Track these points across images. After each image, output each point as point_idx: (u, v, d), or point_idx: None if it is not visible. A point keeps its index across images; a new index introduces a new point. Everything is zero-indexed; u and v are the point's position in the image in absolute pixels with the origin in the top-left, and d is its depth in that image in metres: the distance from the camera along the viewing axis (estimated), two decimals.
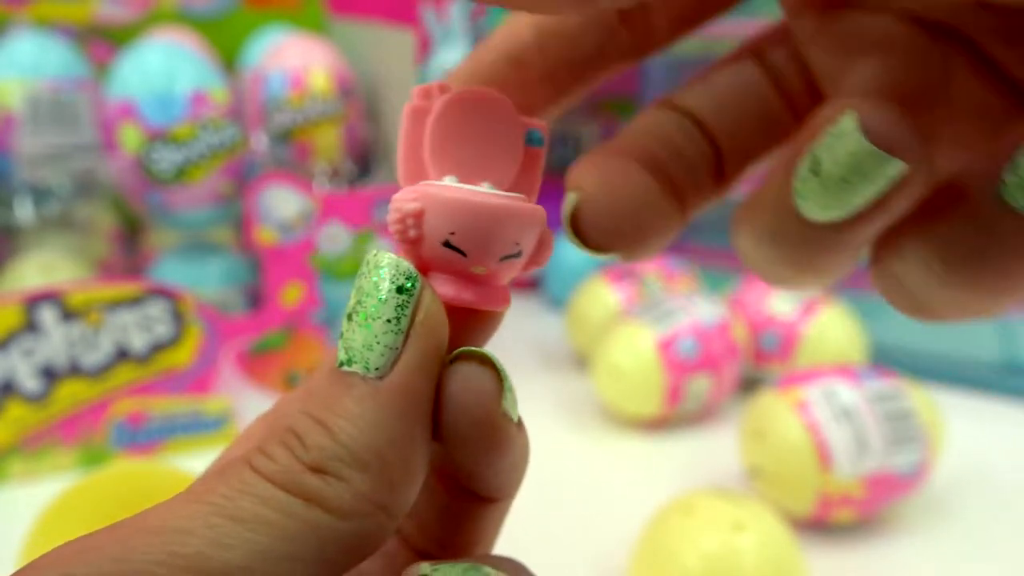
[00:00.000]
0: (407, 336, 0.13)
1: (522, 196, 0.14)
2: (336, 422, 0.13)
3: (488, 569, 0.15)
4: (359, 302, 0.13)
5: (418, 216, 0.14)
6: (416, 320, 0.13)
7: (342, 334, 0.13)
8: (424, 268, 0.14)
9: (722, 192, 0.18)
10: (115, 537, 0.11)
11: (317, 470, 0.12)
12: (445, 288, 0.14)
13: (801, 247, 0.14)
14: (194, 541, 0.11)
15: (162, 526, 0.12)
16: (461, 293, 0.14)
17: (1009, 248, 0.12)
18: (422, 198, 0.14)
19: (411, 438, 0.13)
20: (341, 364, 0.13)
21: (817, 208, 0.13)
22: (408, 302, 0.13)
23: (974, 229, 0.13)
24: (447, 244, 0.14)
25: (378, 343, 0.13)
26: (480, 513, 0.17)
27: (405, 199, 0.14)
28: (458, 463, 0.15)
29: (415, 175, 0.15)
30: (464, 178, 0.14)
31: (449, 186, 0.14)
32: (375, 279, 0.13)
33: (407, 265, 0.13)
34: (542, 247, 0.15)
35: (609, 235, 0.16)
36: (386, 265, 0.13)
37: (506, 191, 0.14)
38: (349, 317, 0.13)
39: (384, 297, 0.13)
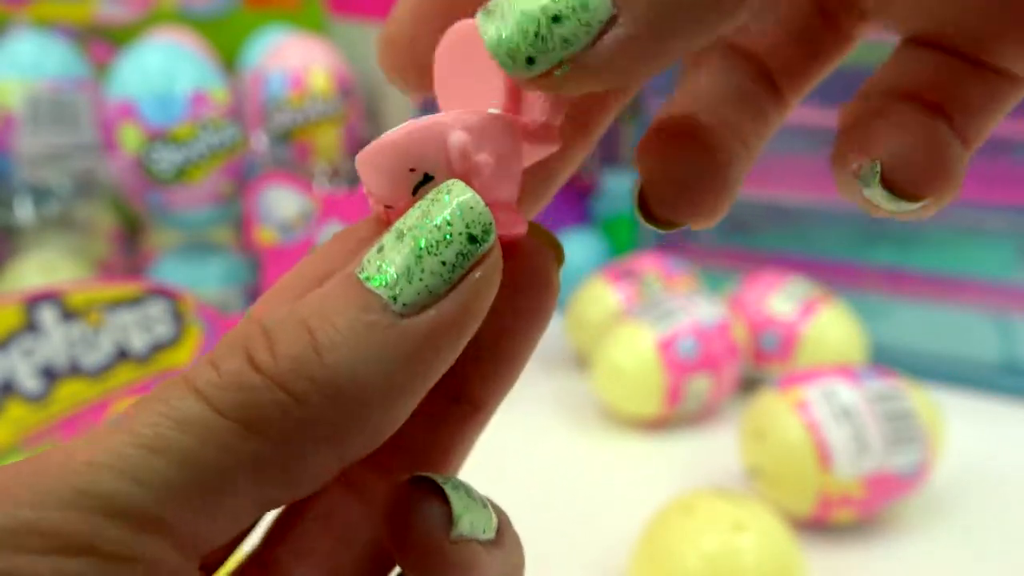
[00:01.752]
0: (452, 287, 0.11)
1: (426, 118, 0.13)
2: (330, 335, 0.11)
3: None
4: (419, 225, 0.12)
5: (363, 182, 0.14)
6: (470, 276, 0.11)
7: (382, 247, 0.12)
8: (389, 216, 0.14)
9: (784, 113, 0.17)
10: (30, 472, 0.10)
11: (281, 386, 0.10)
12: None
13: None
14: (107, 477, 0.10)
15: (83, 460, 0.10)
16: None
17: None
18: (357, 163, 0.14)
19: (403, 403, 0.11)
20: (366, 278, 0.11)
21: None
22: (473, 254, 0.11)
23: None
24: (377, 200, 0.14)
25: (420, 279, 0.11)
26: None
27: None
28: None
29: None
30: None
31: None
32: (447, 215, 0.12)
33: (487, 214, 0.12)
34: (454, 155, 0.13)
35: (675, 212, 0.15)
36: (462, 203, 0.12)
37: (502, 108, 0.14)
38: (400, 235, 0.12)
39: (450, 237, 0.11)
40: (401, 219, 0.12)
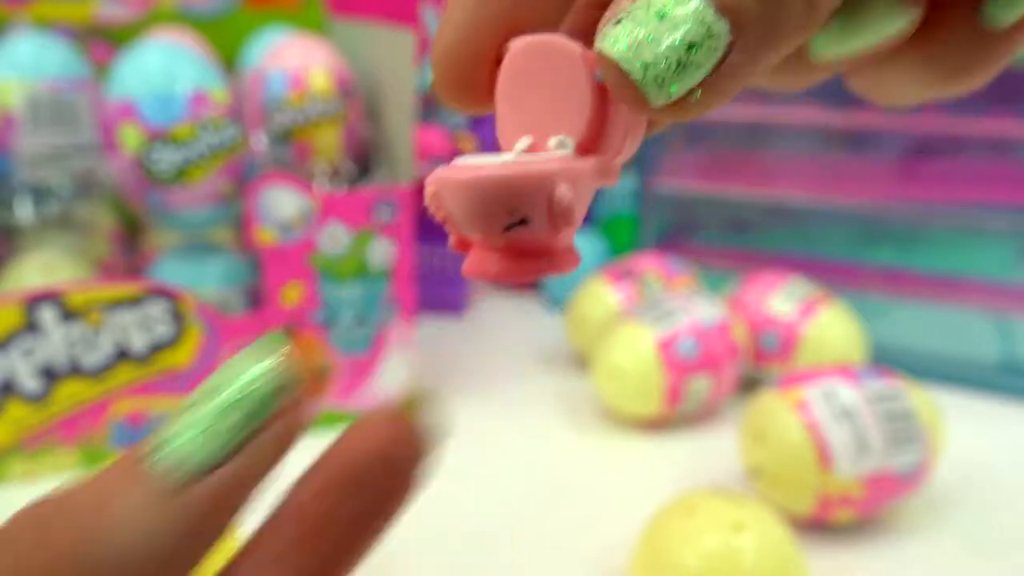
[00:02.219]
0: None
1: (553, 155, 0.13)
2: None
3: None
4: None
5: (436, 199, 0.14)
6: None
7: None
8: (466, 242, 0.14)
9: None
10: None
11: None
12: (484, 266, 0.14)
13: (800, 76, 0.15)
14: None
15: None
16: (501, 270, 0.14)
17: (986, 59, 0.15)
18: (434, 182, 0.14)
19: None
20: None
21: (829, 49, 0.14)
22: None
23: (963, 45, 0.15)
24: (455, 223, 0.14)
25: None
26: None
27: (428, 182, 0.14)
28: None
29: (503, 137, 0.15)
30: (537, 135, 0.14)
31: (456, 166, 0.14)
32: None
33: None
34: (553, 211, 0.13)
35: (452, 90, 0.15)
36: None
37: (582, 140, 0.14)
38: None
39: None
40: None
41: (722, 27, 0.12)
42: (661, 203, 0.61)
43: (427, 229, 0.60)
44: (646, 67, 0.12)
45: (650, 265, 0.53)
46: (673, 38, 0.12)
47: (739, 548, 0.29)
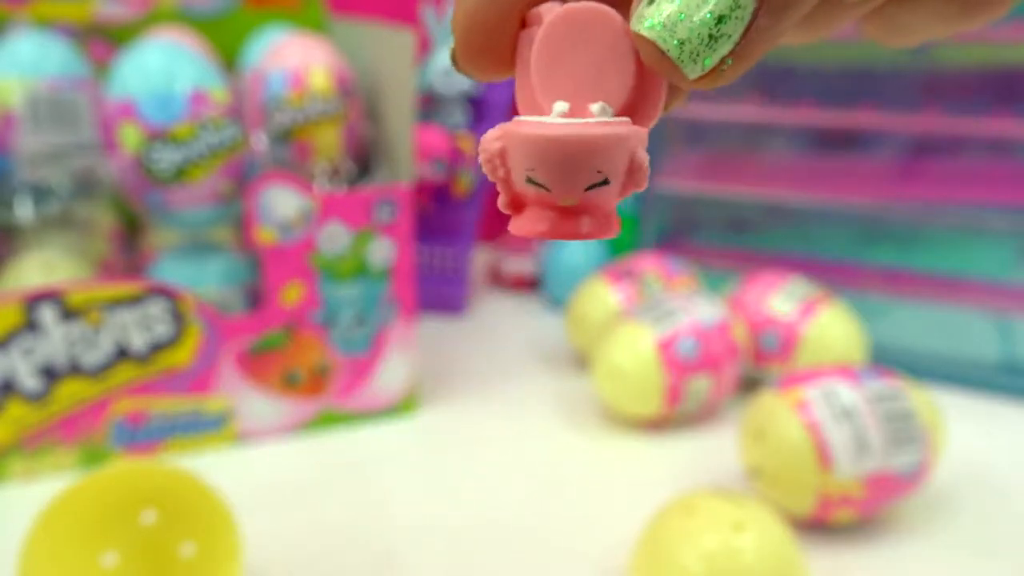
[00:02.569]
0: None
1: (618, 119, 0.14)
2: None
3: None
4: None
5: (502, 155, 0.14)
6: None
7: None
8: (519, 203, 0.14)
9: None
10: None
11: None
12: (538, 224, 0.14)
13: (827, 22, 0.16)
14: None
15: None
16: (555, 228, 0.14)
17: None
18: (503, 136, 0.14)
19: None
20: None
21: None
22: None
23: None
24: (530, 180, 0.14)
25: None
26: None
27: (489, 139, 0.14)
28: None
29: (528, 104, 0.15)
30: (575, 101, 0.14)
31: (528, 121, 0.14)
32: None
33: None
34: (634, 169, 0.14)
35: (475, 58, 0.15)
36: None
37: (621, 108, 0.14)
38: None
39: None
40: None
41: None
42: (661, 203, 0.61)
43: (427, 229, 0.60)
44: (681, 44, 0.13)
45: (650, 265, 0.53)
46: (704, 13, 0.13)
47: (739, 548, 0.29)
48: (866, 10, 0.15)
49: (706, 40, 0.13)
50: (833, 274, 0.56)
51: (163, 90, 0.40)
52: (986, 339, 0.51)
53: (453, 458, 0.43)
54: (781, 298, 0.48)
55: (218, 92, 0.41)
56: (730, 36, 0.13)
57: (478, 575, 0.34)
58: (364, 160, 0.48)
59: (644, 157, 0.14)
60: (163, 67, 0.40)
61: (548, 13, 0.14)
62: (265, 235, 0.41)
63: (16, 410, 0.39)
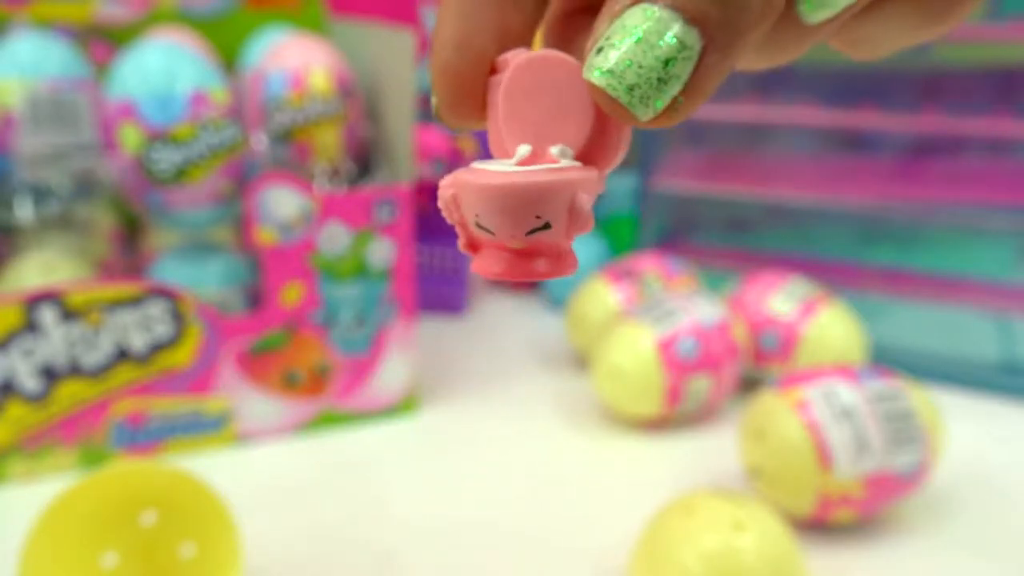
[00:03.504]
0: None
1: (568, 164, 0.15)
2: None
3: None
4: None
5: (455, 201, 0.15)
6: None
7: None
8: (476, 244, 0.15)
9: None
10: None
11: None
12: (494, 265, 0.15)
13: (786, 46, 0.16)
14: None
15: None
16: (508, 269, 0.15)
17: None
18: (453, 184, 0.15)
19: None
20: None
21: (820, 11, 0.15)
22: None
23: None
24: (478, 225, 0.15)
25: None
26: None
27: (444, 185, 0.15)
28: None
29: (497, 147, 0.16)
30: (537, 144, 0.15)
31: (474, 170, 0.15)
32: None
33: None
34: (575, 215, 0.15)
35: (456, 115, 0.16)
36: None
37: (580, 149, 0.15)
38: None
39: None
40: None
41: (693, 37, 0.13)
42: (661, 203, 0.61)
43: (427, 229, 0.60)
44: (630, 89, 0.13)
45: (650, 265, 0.53)
46: (651, 58, 0.13)
47: (739, 548, 0.29)
48: (830, 31, 0.15)
49: (655, 84, 0.13)
50: (833, 274, 0.56)
51: (163, 91, 0.40)
52: (986, 339, 0.51)
53: (453, 458, 0.43)
54: (781, 298, 0.48)
55: (218, 93, 0.41)
56: (679, 77, 0.13)
57: (478, 575, 0.34)
58: (364, 160, 0.48)
59: (585, 202, 0.14)
60: (163, 68, 0.40)
61: (514, 59, 0.15)
62: (265, 235, 0.41)
63: (16, 411, 0.39)
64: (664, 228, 0.63)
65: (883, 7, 0.16)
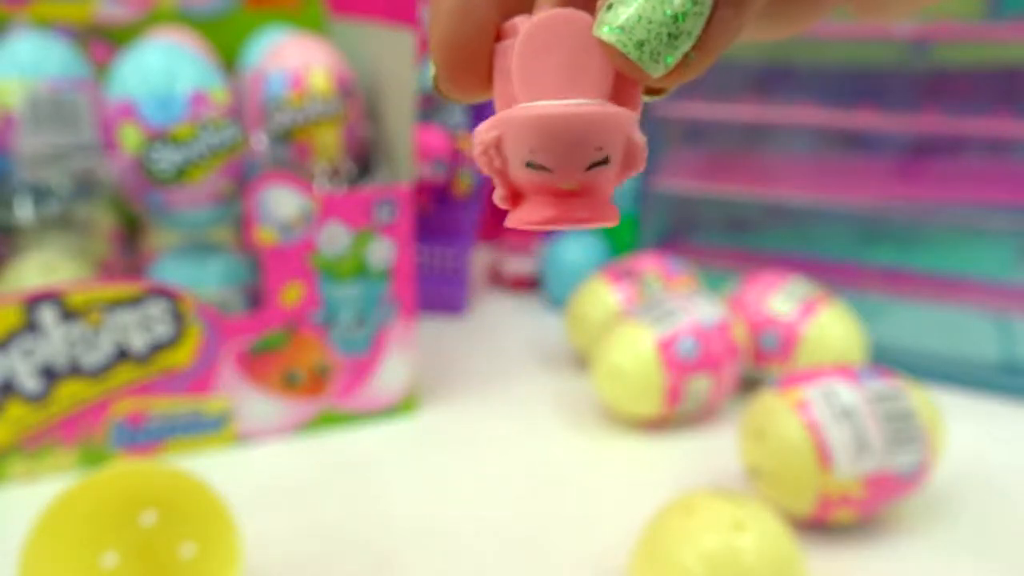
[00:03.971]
0: None
1: (603, 102, 0.14)
2: None
3: None
4: None
5: (497, 144, 0.14)
6: None
7: None
8: (517, 194, 0.15)
9: None
10: None
11: None
12: (541, 211, 0.14)
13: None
14: None
15: None
16: (558, 214, 0.14)
17: None
18: (499, 124, 0.14)
19: None
20: None
21: None
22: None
23: None
24: (530, 164, 0.14)
25: None
26: None
27: (483, 129, 0.14)
28: None
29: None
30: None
31: (524, 107, 0.14)
32: None
33: None
34: (631, 149, 0.14)
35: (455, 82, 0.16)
36: None
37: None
38: None
39: None
40: None
41: None
42: (661, 203, 0.61)
43: (427, 229, 0.60)
44: (640, 45, 0.13)
45: (650, 265, 0.53)
46: (661, 13, 0.13)
47: (739, 548, 0.29)
48: None
49: (665, 39, 0.13)
50: (833, 274, 0.56)
51: (163, 91, 0.40)
52: (986, 339, 0.51)
53: (453, 458, 0.43)
54: (781, 298, 0.48)
55: (218, 93, 0.41)
56: (690, 32, 0.13)
57: (478, 575, 0.34)
58: (364, 160, 0.48)
59: (640, 137, 0.14)
60: (163, 68, 0.40)
61: (523, 23, 0.14)
62: (265, 235, 0.41)
63: (16, 411, 0.39)
64: (664, 228, 0.63)
65: None
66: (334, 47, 0.48)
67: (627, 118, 0.14)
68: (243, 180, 0.43)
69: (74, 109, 0.41)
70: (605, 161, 0.14)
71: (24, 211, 0.41)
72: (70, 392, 0.40)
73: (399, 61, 0.43)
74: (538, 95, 0.14)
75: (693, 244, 0.64)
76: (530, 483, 0.41)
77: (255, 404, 0.43)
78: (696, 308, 0.45)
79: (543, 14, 0.14)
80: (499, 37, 0.15)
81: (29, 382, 0.39)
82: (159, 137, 0.40)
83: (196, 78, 0.41)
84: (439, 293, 0.61)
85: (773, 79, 0.57)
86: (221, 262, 0.44)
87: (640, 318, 0.45)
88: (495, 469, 0.42)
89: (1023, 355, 0.50)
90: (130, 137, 0.40)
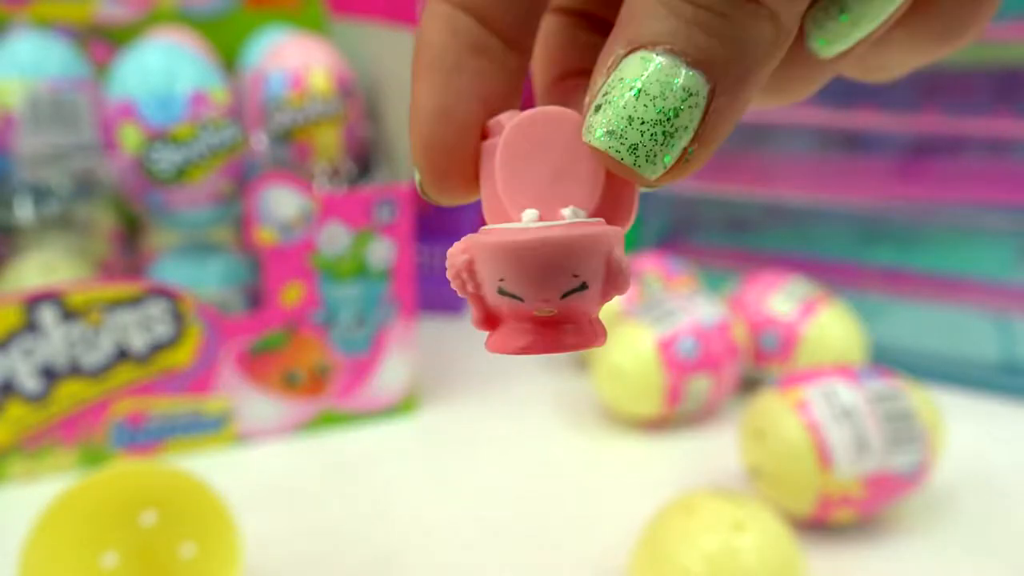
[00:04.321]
0: None
1: (588, 220, 0.13)
2: None
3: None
4: None
5: (469, 268, 0.13)
6: None
7: None
8: (493, 318, 0.13)
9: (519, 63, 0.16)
10: None
11: None
12: (517, 340, 0.13)
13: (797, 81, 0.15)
14: None
15: None
16: (535, 342, 0.13)
17: (980, 7, 0.15)
18: (469, 248, 0.13)
19: None
20: None
21: (834, 45, 0.13)
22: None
23: (957, 10, 0.15)
24: (502, 291, 0.13)
25: None
26: None
27: (455, 252, 0.13)
28: None
29: (497, 216, 0.14)
30: (544, 208, 0.13)
31: (494, 229, 0.13)
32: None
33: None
34: (611, 272, 0.13)
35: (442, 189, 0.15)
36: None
37: (593, 210, 0.13)
38: None
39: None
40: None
41: (698, 81, 0.12)
42: (661, 203, 0.61)
43: (427, 229, 0.60)
44: (634, 149, 0.12)
45: (650, 265, 0.53)
46: (653, 112, 0.12)
47: (739, 548, 0.29)
48: (844, 64, 0.14)
49: (660, 139, 0.12)
50: (833, 274, 0.56)
51: (163, 91, 0.40)
52: (986, 339, 0.51)
53: (453, 458, 0.43)
54: (781, 298, 0.48)
55: (218, 92, 0.41)
56: (687, 127, 0.12)
57: (478, 575, 0.34)
58: (364, 160, 0.48)
59: (622, 257, 0.13)
60: (163, 68, 0.40)
61: (508, 120, 0.14)
62: (265, 235, 0.41)
63: (16, 411, 0.39)
64: (664, 228, 0.63)
65: (892, 34, 0.15)
66: (334, 47, 0.48)
67: (606, 237, 0.13)
68: (243, 180, 0.43)
69: (74, 109, 0.41)
70: (583, 287, 0.13)
71: (24, 211, 0.41)
72: (70, 392, 0.40)
73: (399, 61, 0.43)
74: (523, 203, 0.13)
75: (693, 244, 0.64)
76: (530, 483, 0.41)
77: (255, 404, 0.43)
78: (696, 308, 0.45)
79: (527, 112, 0.13)
80: (485, 135, 0.14)
81: (29, 382, 0.39)
82: (159, 137, 0.40)
83: (196, 78, 0.41)
84: (439, 293, 0.61)
85: None
86: (221, 262, 0.44)
87: (640, 318, 0.45)
88: (495, 469, 0.42)
89: (1023, 355, 0.50)
90: (130, 137, 0.40)
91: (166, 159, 0.40)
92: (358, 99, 0.47)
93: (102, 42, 0.49)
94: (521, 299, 0.13)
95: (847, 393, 0.35)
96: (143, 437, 0.42)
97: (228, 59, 0.51)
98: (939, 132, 0.53)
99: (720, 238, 0.65)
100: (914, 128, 0.53)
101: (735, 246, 0.63)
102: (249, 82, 0.47)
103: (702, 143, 0.12)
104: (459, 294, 0.14)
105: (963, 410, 0.46)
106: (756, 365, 0.48)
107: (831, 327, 0.46)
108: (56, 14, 0.48)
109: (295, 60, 0.45)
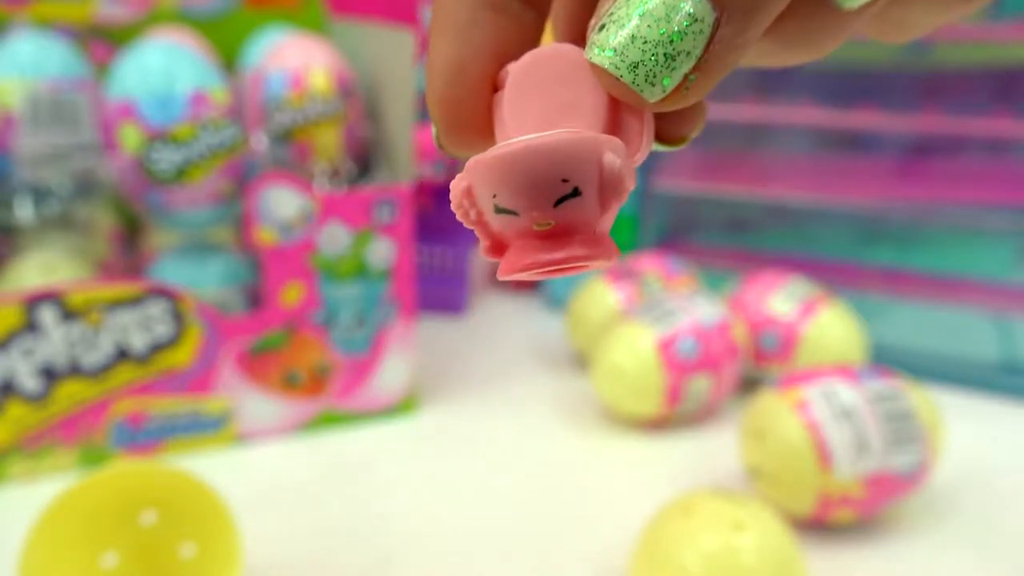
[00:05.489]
0: None
1: (573, 130, 0.13)
2: None
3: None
4: None
5: (469, 194, 0.13)
6: None
7: None
8: (501, 245, 0.13)
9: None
10: None
11: None
12: (523, 258, 0.13)
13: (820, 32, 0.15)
14: None
15: None
16: (543, 257, 0.13)
17: None
18: (466, 173, 0.13)
19: None
20: None
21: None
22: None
23: None
24: (498, 209, 0.13)
25: None
26: None
27: (456, 181, 0.13)
28: None
29: None
30: None
31: (486, 152, 0.13)
32: None
33: None
34: (605, 178, 0.13)
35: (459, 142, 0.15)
36: None
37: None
38: None
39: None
40: None
41: (705, 8, 0.12)
42: (661, 203, 0.61)
43: (427, 229, 0.60)
44: (634, 67, 0.12)
45: (650, 265, 0.53)
46: (657, 32, 0.12)
47: (739, 548, 0.29)
48: (867, 17, 0.14)
49: (662, 60, 0.12)
50: (833, 274, 0.56)
51: (163, 91, 0.40)
52: (986, 339, 0.51)
53: (453, 458, 0.43)
54: (781, 298, 0.48)
55: (218, 92, 0.41)
56: (690, 52, 0.12)
57: (478, 575, 0.34)
58: (364, 160, 0.48)
59: (615, 162, 0.13)
60: (163, 68, 0.40)
61: (506, 73, 0.14)
62: (265, 235, 0.41)
63: (16, 411, 0.39)
64: (664, 228, 0.63)
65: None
66: (334, 47, 0.48)
67: (595, 142, 0.12)
68: (243, 180, 0.43)
69: (74, 109, 0.41)
70: (575, 193, 0.12)
71: (24, 211, 0.41)
72: (70, 392, 0.40)
73: (399, 61, 0.43)
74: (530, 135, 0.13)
75: (693, 244, 0.64)
76: (530, 483, 0.41)
77: (255, 404, 0.43)
78: (696, 308, 0.45)
79: (530, 52, 0.14)
80: (497, 87, 0.14)
81: (29, 382, 0.39)
82: (159, 137, 0.40)
83: (196, 78, 0.41)
84: (439, 293, 0.61)
85: (773, 79, 0.57)
86: (221, 262, 0.44)
87: (640, 318, 0.45)
88: (495, 469, 0.42)
89: (1023, 355, 0.50)
90: (130, 137, 0.40)
91: (166, 159, 0.40)
92: (358, 99, 0.47)
93: (102, 42, 0.49)
94: (516, 213, 0.13)
95: (847, 393, 0.35)
96: (143, 437, 0.42)
97: (228, 59, 0.51)
98: (939, 132, 0.53)
99: (720, 238, 0.65)
100: (914, 128, 0.53)
101: (735, 246, 0.63)
102: (249, 82, 0.47)
103: (704, 72, 0.12)
104: (465, 224, 0.13)
105: (963, 410, 0.46)
106: (756, 365, 0.48)
107: (831, 327, 0.46)
108: (56, 14, 0.48)
109: (295, 60, 0.45)
